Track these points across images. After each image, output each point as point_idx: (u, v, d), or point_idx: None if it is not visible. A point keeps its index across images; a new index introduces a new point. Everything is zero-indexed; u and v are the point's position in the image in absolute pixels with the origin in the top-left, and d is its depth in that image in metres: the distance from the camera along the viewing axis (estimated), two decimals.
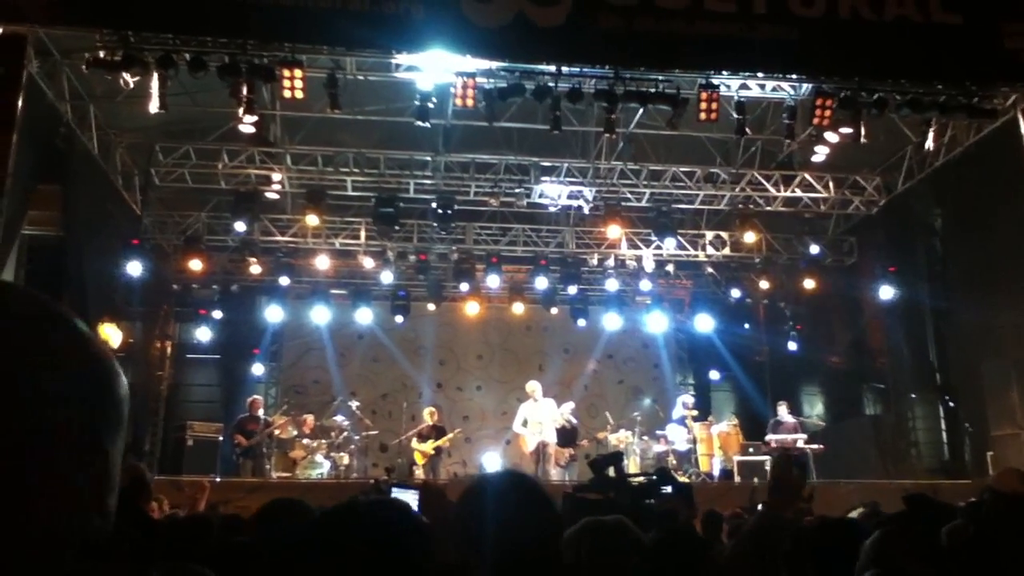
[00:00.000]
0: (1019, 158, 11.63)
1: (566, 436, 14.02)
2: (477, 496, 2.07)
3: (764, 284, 18.01)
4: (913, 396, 16.04)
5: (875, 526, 4.32)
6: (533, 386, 14.32)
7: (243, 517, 4.80)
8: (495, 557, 1.89)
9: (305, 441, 14.04)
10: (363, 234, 16.88)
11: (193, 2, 9.82)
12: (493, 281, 17.09)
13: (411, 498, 3.39)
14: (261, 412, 14.34)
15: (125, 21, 9.89)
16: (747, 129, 12.22)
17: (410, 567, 1.56)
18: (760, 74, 11.64)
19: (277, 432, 14.09)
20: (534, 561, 1.95)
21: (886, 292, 15.89)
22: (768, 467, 13.50)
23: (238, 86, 10.56)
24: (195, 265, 16.01)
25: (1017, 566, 2.46)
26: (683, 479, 13.54)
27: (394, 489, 3.67)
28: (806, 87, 11.86)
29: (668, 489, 4.13)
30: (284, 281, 16.99)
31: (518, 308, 18.30)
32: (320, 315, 17.95)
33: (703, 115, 11.15)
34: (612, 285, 17.91)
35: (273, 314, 17.72)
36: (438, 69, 11.10)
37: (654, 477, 4.40)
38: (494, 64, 10.96)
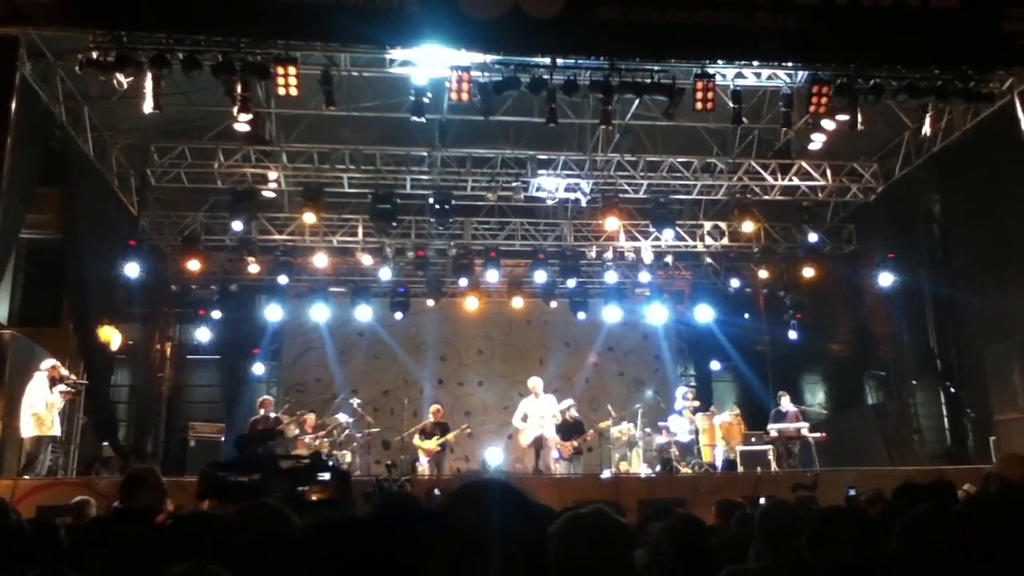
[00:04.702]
0: (1017, 142, 11.60)
1: (569, 429, 13.99)
2: (461, 508, 2.01)
3: (763, 273, 18.00)
4: (915, 383, 16.03)
5: (882, 511, 4.32)
6: (534, 382, 14.29)
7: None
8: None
9: (307, 439, 14.01)
10: (361, 231, 16.85)
11: (186, 1, 9.78)
12: (492, 276, 17.06)
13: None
14: (272, 413, 14.17)
15: (118, 21, 9.85)
16: (743, 118, 12.19)
17: None
18: (757, 62, 11.60)
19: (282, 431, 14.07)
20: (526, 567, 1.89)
21: (886, 279, 15.87)
22: (771, 456, 13.51)
23: (232, 84, 10.52)
24: (193, 265, 15.99)
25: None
26: (685, 470, 13.54)
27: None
28: (802, 75, 11.81)
29: (326, 476, 3.97)
30: (283, 280, 16.95)
31: (518, 302, 18.28)
32: (320, 313, 17.92)
33: (699, 105, 11.11)
34: (611, 277, 17.88)
35: (273, 313, 17.68)
36: (433, 63, 11.07)
37: (308, 462, 4.21)
38: (489, 58, 10.92)
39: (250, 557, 2.78)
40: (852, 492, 8.99)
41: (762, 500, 7.81)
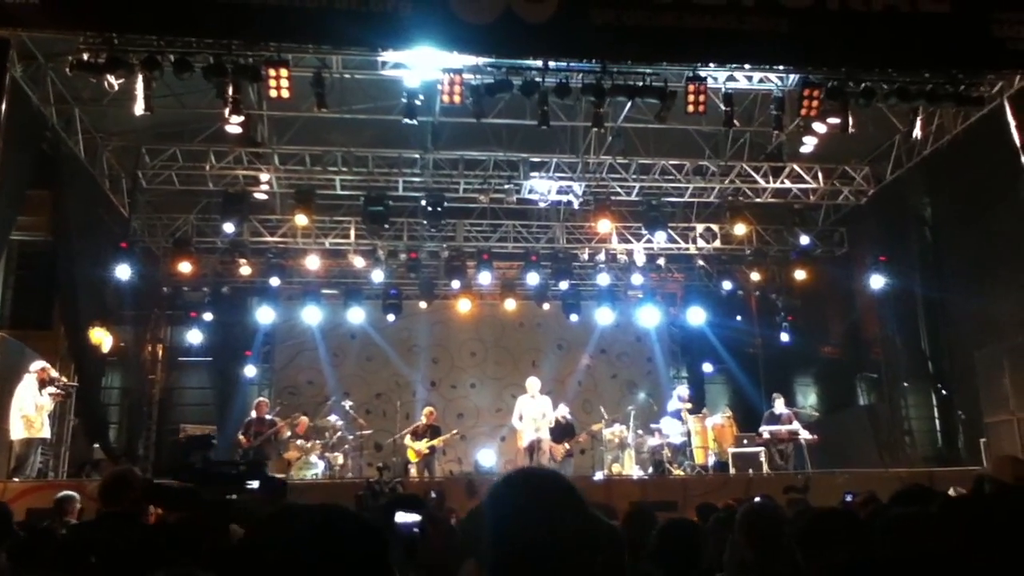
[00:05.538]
0: (1007, 145, 11.65)
1: (561, 432, 14.00)
2: (500, 504, 1.94)
3: (755, 276, 18.04)
4: (906, 385, 16.07)
5: (872, 513, 4.33)
6: (531, 382, 14.27)
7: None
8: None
9: (299, 442, 13.98)
10: (353, 233, 16.82)
11: (178, 3, 9.74)
12: (485, 278, 17.07)
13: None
14: (267, 415, 13.96)
15: (109, 23, 9.80)
16: (735, 121, 12.20)
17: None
18: (749, 65, 11.62)
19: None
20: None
21: (877, 282, 15.91)
22: (763, 459, 13.52)
23: (224, 86, 10.49)
24: (185, 267, 15.94)
25: (1018, 556, 2.45)
26: (677, 472, 13.55)
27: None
28: (793, 78, 11.85)
29: (254, 484, 3.98)
30: (275, 282, 16.91)
31: (510, 304, 18.29)
32: (312, 315, 17.90)
33: (691, 108, 11.11)
34: (604, 280, 17.91)
35: (264, 315, 17.65)
36: (425, 66, 11.05)
37: (243, 469, 4.21)
38: (481, 60, 10.92)
39: (250, 559, 2.77)
40: (849, 498, 8.94)
41: (756, 500, 7.82)
